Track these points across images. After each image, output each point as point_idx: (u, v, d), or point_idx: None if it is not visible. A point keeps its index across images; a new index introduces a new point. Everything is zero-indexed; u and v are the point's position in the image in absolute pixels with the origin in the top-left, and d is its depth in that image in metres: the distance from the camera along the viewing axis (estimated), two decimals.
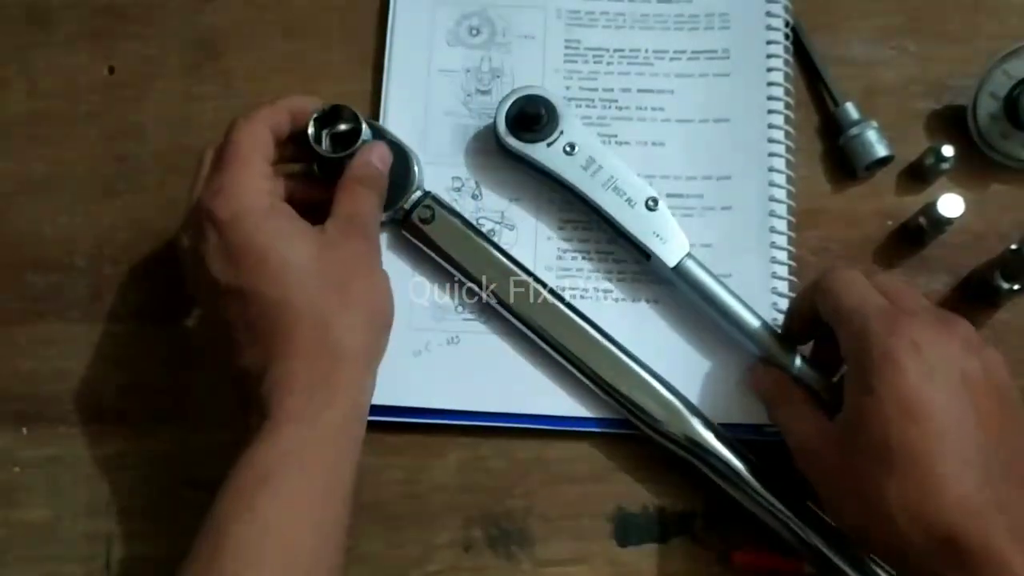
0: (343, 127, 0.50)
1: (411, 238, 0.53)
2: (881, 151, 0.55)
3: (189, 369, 0.54)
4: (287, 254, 0.45)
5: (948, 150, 0.53)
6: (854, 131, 0.55)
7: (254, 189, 0.46)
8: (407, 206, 0.52)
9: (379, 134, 0.52)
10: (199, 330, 0.54)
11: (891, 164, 0.56)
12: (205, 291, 0.46)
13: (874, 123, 0.55)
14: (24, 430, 0.53)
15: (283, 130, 0.49)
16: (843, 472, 0.43)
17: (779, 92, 0.56)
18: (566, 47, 0.57)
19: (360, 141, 0.49)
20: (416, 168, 0.53)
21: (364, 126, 0.49)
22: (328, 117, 0.49)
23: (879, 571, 0.47)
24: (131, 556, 0.51)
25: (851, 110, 0.56)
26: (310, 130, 0.49)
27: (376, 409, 0.49)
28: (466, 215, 0.53)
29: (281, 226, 0.46)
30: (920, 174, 0.56)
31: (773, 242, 0.53)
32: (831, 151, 0.57)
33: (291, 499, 0.41)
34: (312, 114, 0.49)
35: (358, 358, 0.45)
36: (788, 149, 0.55)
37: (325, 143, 0.49)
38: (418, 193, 0.53)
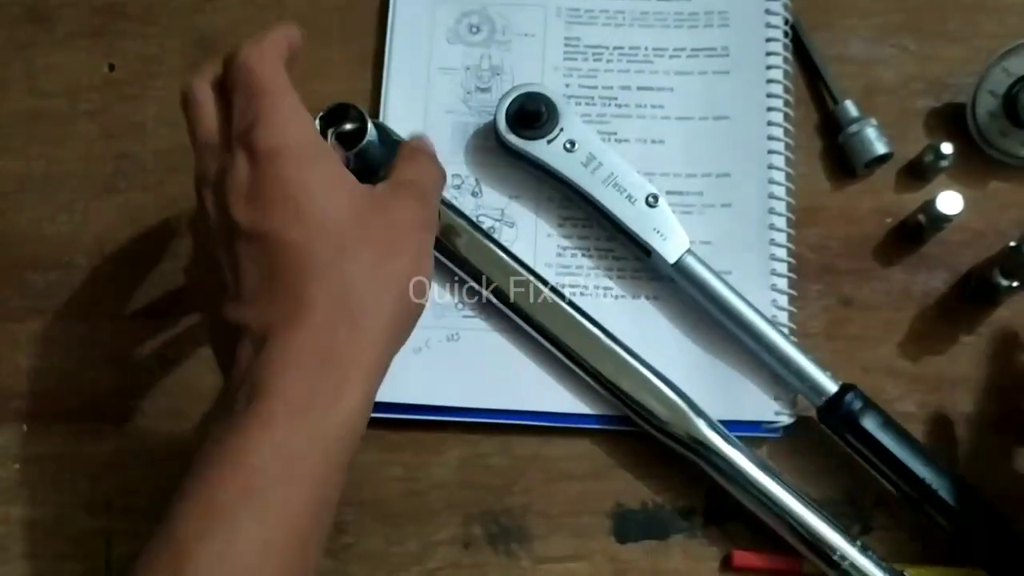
0: (349, 126, 0.50)
1: None
2: (880, 148, 0.55)
3: (189, 368, 0.54)
4: (326, 203, 0.39)
5: (947, 147, 0.53)
6: (853, 128, 0.55)
7: (298, 120, 0.40)
8: None
9: (384, 133, 0.52)
10: (191, 270, 0.49)
11: (890, 162, 0.56)
12: (218, 231, 0.40)
13: (873, 120, 0.55)
14: (24, 428, 0.54)
15: (286, 59, 0.42)
16: None
17: (778, 90, 0.56)
18: (566, 45, 0.57)
19: (365, 140, 0.49)
20: None
21: (369, 125, 0.49)
22: (334, 116, 0.49)
23: (878, 572, 0.47)
24: (131, 554, 0.50)
25: (850, 108, 0.56)
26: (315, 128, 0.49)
27: (376, 406, 0.48)
28: (466, 212, 0.53)
29: (325, 170, 0.40)
30: (919, 172, 0.56)
31: (772, 239, 0.53)
32: (830, 149, 0.57)
33: (276, 519, 0.35)
34: (318, 113, 0.49)
35: (379, 340, 0.39)
36: (787, 147, 0.55)
37: (331, 141, 0.49)
38: None
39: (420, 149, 0.46)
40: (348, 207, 0.39)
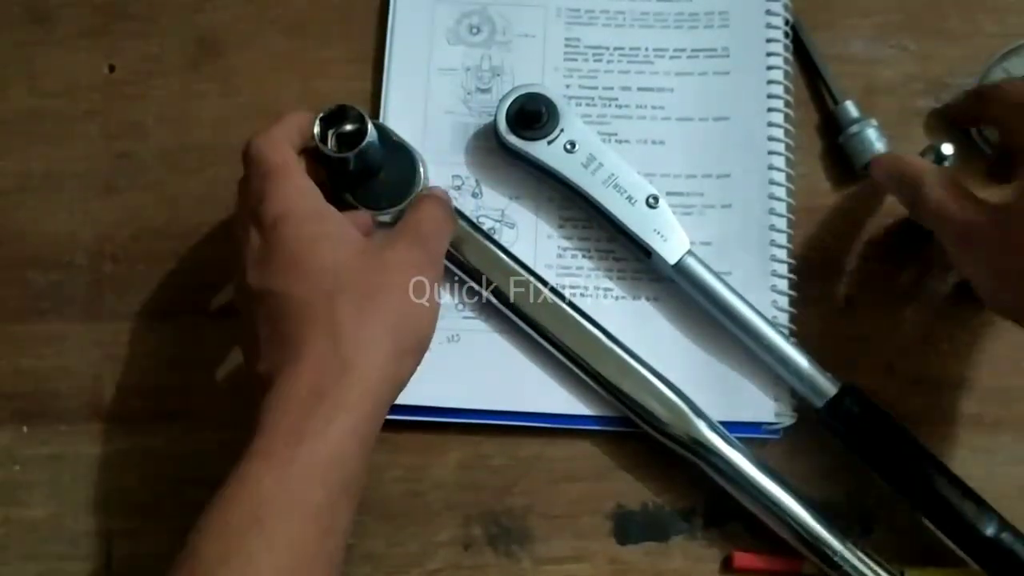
0: (349, 127, 0.50)
1: None
2: (880, 149, 0.55)
3: (190, 367, 0.54)
4: (322, 257, 0.43)
5: (948, 148, 0.53)
6: (853, 129, 0.55)
7: (300, 190, 0.45)
8: None
9: (384, 134, 0.52)
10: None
11: None
12: (241, 299, 0.45)
13: (873, 121, 0.55)
14: (25, 428, 0.54)
15: (296, 145, 0.48)
16: (1004, 250, 0.43)
17: (779, 90, 0.56)
18: (566, 45, 0.57)
19: (365, 141, 0.49)
20: (422, 169, 0.53)
21: (369, 126, 0.49)
22: (334, 117, 0.49)
23: (879, 573, 0.47)
24: (132, 554, 0.52)
25: (850, 108, 0.56)
26: (316, 129, 0.49)
27: None
28: (466, 213, 0.53)
29: (323, 229, 0.44)
30: None
31: (773, 240, 0.53)
32: (831, 149, 0.57)
33: (286, 546, 0.38)
34: (318, 114, 0.49)
35: (367, 378, 0.41)
36: (788, 147, 0.55)
37: (331, 143, 0.49)
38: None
39: (429, 196, 0.50)
40: (344, 258, 0.43)
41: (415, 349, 0.45)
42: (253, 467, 0.39)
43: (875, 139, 0.55)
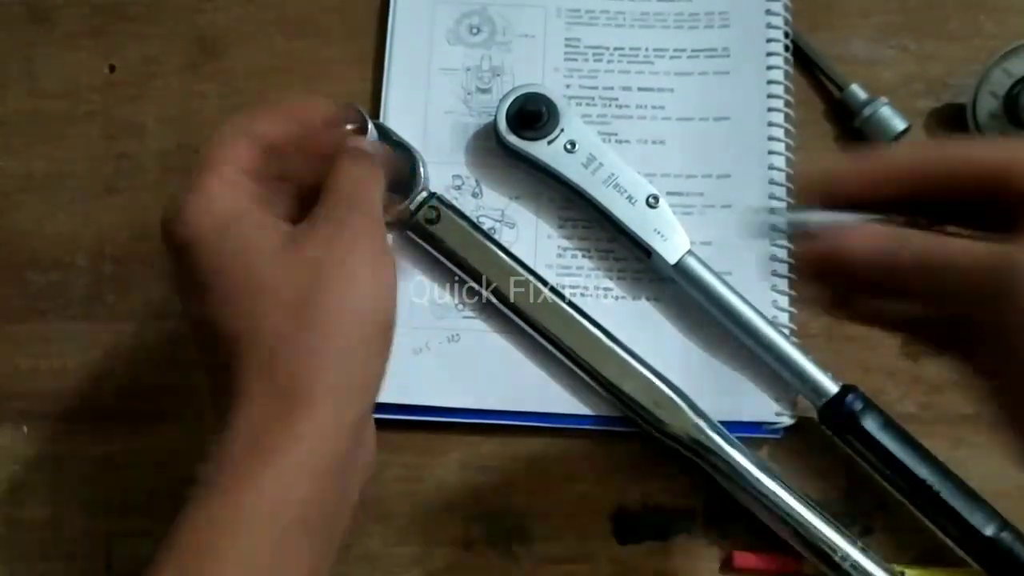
0: (348, 127, 0.50)
1: (416, 239, 0.53)
2: (900, 125, 0.55)
3: (190, 367, 0.54)
4: (240, 275, 0.37)
5: None
6: (868, 111, 0.55)
7: (212, 204, 0.38)
8: (413, 207, 0.53)
9: (385, 134, 0.52)
10: None
11: None
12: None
13: (883, 99, 0.55)
14: (24, 428, 0.54)
15: (268, 135, 0.40)
16: None
17: (779, 90, 0.56)
18: (566, 45, 0.57)
19: None
20: (422, 169, 0.53)
21: (370, 126, 0.49)
22: None
23: (879, 573, 0.47)
24: (131, 555, 0.51)
25: (858, 91, 0.56)
26: None
27: (377, 407, 0.48)
28: (466, 213, 0.53)
29: (237, 245, 0.37)
30: None
31: (773, 240, 0.53)
32: (843, 138, 0.57)
33: None
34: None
35: (317, 402, 0.35)
36: (788, 147, 0.55)
37: None
38: (424, 194, 0.53)
39: (343, 156, 0.41)
40: (263, 269, 0.37)
41: (377, 334, 0.38)
42: (197, 517, 0.34)
43: (891, 116, 0.55)
